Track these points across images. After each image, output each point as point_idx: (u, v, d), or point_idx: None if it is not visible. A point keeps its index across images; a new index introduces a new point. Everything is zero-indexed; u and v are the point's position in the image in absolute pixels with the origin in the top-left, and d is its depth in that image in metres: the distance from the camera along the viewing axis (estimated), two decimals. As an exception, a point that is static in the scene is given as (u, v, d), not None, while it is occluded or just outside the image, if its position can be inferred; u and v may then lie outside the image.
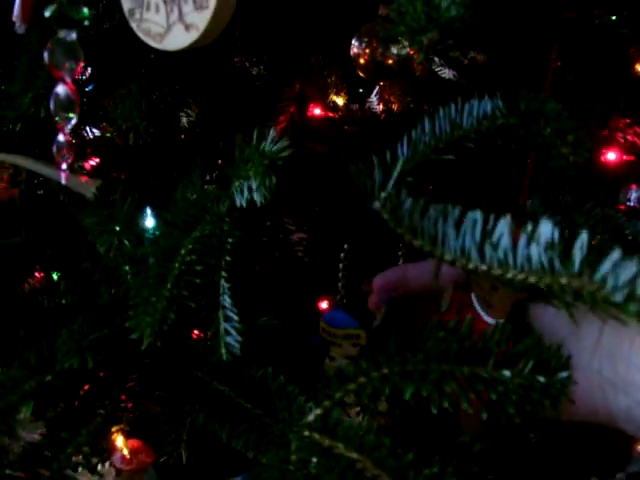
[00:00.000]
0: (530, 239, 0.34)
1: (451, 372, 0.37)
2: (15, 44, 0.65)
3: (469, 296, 0.54)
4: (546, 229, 0.34)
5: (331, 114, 0.86)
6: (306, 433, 0.40)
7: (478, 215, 0.37)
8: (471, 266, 0.38)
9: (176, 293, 0.45)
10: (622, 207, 0.79)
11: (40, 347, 0.49)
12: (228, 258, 0.47)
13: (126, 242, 0.56)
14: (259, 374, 0.49)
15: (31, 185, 0.70)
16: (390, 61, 0.97)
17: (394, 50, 0.96)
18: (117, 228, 0.55)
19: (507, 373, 0.36)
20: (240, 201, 0.46)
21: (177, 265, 0.45)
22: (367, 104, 1.17)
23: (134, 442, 0.86)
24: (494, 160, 0.61)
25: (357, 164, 0.49)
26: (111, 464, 0.84)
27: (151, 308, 0.44)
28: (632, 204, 0.76)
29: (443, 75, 1.18)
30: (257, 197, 0.43)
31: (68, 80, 0.46)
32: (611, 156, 0.71)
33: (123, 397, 0.57)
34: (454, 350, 0.37)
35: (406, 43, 0.99)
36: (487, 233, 0.37)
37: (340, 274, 0.63)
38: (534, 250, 0.35)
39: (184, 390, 0.54)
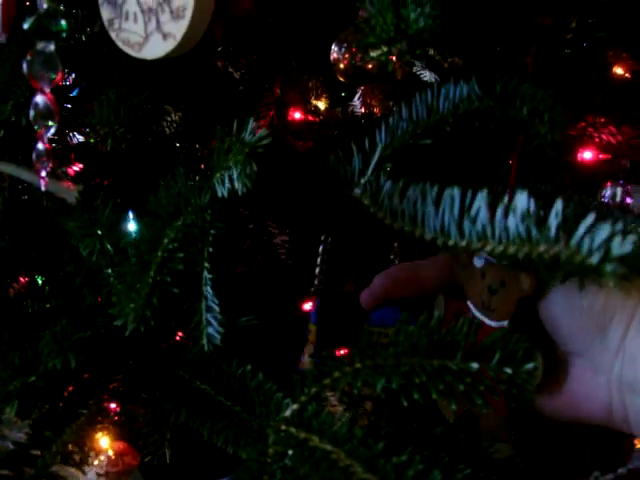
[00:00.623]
0: (507, 210, 0.36)
1: (421, 365, 0.38)
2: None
3: (465, 304, 0.55)
4: (522, 200, 0.36)
5: (311, 118, 0.87)
6: (283, 427, 0.42)
7: (456, 192, 0.39)
8: (451, 243, 0.39)
9: (159, 280, 0.45)
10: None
11: (24, 348, 0.50)
12: (210, 249, 0.48)
13: (108, 246, 0.57)
14: (239, 372, 0.50)
15: (14, 191, 0.71)
16: (370, 66, 0.98)
17: (373, 54, 0.98)
18: (99, 232, 0.56)
19: (475, 365, 0.38)
20: (222, 192, 0.47)
21: (160, 253, 0.46)
22: (350, 108, 1.18)
23: (120, 444, 0.87)
24: (478, 147, 0.62)
25: (337, 154, 0.50)
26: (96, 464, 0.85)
27: (134, 294, 0.45)
28: (606, 201, 0.78)
29: (424, 78, 1.20)
30: (238, 186, 0.44)
31: (47, 90, 0.48)
32: (587, 155, 0.72)
33: (106, 397, 0.58)
34: (424, 344, 0.39)
35: (385, 49, 1.01)
36: (465, 208, 0.38)
37: (318, 269, 0.63)
38: (511, 221, 0.36)
39: (166, 389, 0.55)
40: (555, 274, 0.36)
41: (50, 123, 0.47)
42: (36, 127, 0.48)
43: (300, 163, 0.71)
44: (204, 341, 0.46)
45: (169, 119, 0.71)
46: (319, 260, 0.65)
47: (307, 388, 0.42)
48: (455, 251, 0.39)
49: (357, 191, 0.48)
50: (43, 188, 0.50)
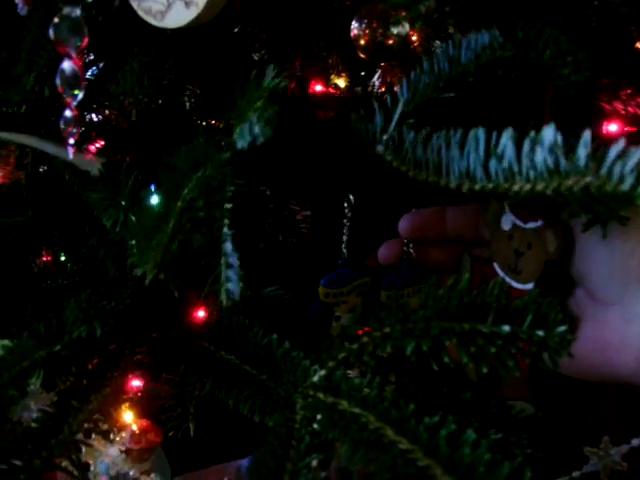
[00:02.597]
0: (534, 144, 0.35)
1: (451, 328, 0.38)
2: (18, 27, 0.65)
3: (491, 267, 0.54)
4: (549, 133, 0.35)
5: (332, 90, 0.87)
6: (311, 392, 0.41)
7: (481, 132, 0.38)
8: (477, 187, 0.38)
9: (178, 227, 0.44)
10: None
11: (49, 318, 0.50)
12: (229, 205, 0.47)
13: (132, 216, 0.56)
14: (264, 341, 0.50)
15: (37, 166, 0.71)
16: (390, 41, 0.97)
17: (394, 30, 0.97)
18: (123, 203, 0.56)
19: (506, 328, 0.37)
20: (242, 144, 0.45)
21: (179, 203, 0.45)
22: (370, 87, 1.17)
23: (143, 422, 0.87)
24: (505, 100, 0.61)
25: (358, 112, 0.49)
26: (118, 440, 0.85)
27: (154, 243, 0.44)
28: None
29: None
30: (258, 132, 0.43)
31: (74, 56, 0.47)
32: (613, 128, 0.71)
33: (131, 369, 0.58)
34: (454, 307, 0.38)
35: (406, 24, 1.00)
36: (491, 147, 0.37)
37: (344, 231, 0.62)
38: (539, 154, 0.35)
39: (190, 361, 0.55)
40: (587, 209, 0.34)
41: (77, 90, 0.47)
42: (63, 94, 0.48)
43: (321, 130, 0.70)
44: (223, 296, 0.45)
45: (188, 93, 0.71)
46: (344, 230, 0.64)
47: (335, 353, 0.42)
48: (482, 196, 0.38)
49: (380, 148, 0.47)
50: (71, 156, 0.50)
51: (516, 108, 0.60)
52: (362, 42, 0.97)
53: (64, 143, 0.54)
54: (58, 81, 0.47)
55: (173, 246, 0.43)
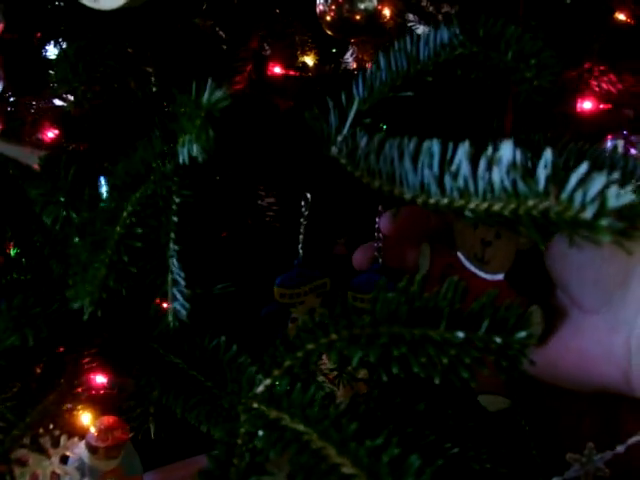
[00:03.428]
0: (490, 163, 0.32)
1: (401, 335, 0.34)
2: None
3: (454, 255, 0.51)
4: (507, 151, 0.32)
5: (293, 72, 0.83)
6: (254, 405, 0.38)
7: (435, 145, 0.35)
8: (432, 201, 0.35)
9: (116, 259, 0.42)
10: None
11: (-19, 326, 0.47)
12: (175, 219, 0.45)
13: (73, 214, 0.53)
14: (212, 345, 0.46)
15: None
16: (358, 17, 0.93)
17: (361, 5, 0.93)
18: (62, 199, 0.53)
19: (460, 334, 0.34)
20: (183, 158, 0.43)
21: (118, 229, 0.43)
22: (342, 64, 1.13)
23: (109, 418, 0.84)
24: (467, 99, 0.58)
25: (312, 110, 0.46)
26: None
27: (90, 275, 0.42)
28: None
29: (417, 31, 1.15)
30: (196, 153, 0.40)
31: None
32: (587, 105, 0.68)
33: (80, 372, 0.55)
34: (404, 312, 0.35)
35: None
36: (445, 163, 0.34)
37: (301, 230, 0.59)
38: (496, 174, 0.32)
39: (142, 363, 0.52)
40: (546, 233, 0.32)
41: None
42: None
43: (280, 122, 0.66)
44: (170, 317, 0.43)
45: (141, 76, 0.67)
46: (301, 223, 0.61)
47: (280, 361, 0.39)
48: (437, 210, 0.35)
49: (334, 149, 0.44)
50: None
51: (478, 106, 0.57)
52: (328, 18, 0.93)
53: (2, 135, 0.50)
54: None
55: (110, 280, 0.41)
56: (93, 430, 0.85)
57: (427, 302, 0.35)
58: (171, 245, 0.46)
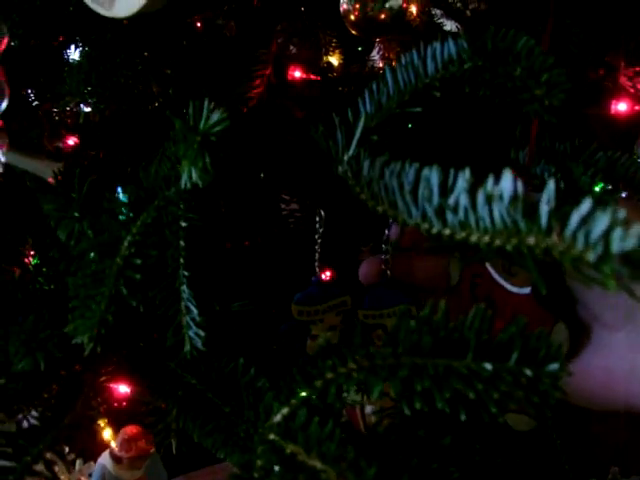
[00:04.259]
0: (490, 196, 0.30)
1: (424, 367, 0.32)
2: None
3: (483, 266, 0.50)
4: (507, 184, 0.29)
5: (314, 77, 0.81)
6: (270, 437, 0.37)
7: (434, 176, 0.33)
8: (434, 231, 0.33)
9: (114, 293, 0.40)
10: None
11: (-5, 348, 0.46)
12: (183, 244, 0.43)
13: (88, 230, 0.51)
14: (229, 367, 0.45)
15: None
16: (383, 15, 0.91)
17: (386, 4, 0.90)
18: (76, 214, 0.51)
19: (488, 366, 0.32)
20: (185, 182, 0.42)
21: (118, 260, 0.41)
22: (369, 63, 1.11)
23: (132, 428, 0.84)
24: (488, 106, 0.55)
25: (317, 127, 0.44)
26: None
27: (89, 311, 0.40)
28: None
29: (445, 27, 1.12)
30: (194, 178, 0.39)
31: (-6, 61, 0.42)
32: (622, 107, 0.65)
33: (95, 392, 0.53)
34: (428, 342, 0.33)
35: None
36: (446, 193, 0.32)
37: (316, 247, 0.57)
38: (496, 209, 0.30)
39: (158, 383, 0.51)
40: (549, 271, 0.29)
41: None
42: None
43: (298, 132, 0.64)
44: (187, 347, 0.41)
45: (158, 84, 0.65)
46: (316, 246, 0.59)
47: (297, 391, 0.37)
48: (440, 239, 0.33)
49: (341, 169, 0.42)
50: (1, 170, 0.45)
51: (500, 114, 0.55)
52: (352, 18, 0.91)
53: (18, 149, 0.49)
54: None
55: (109, 316, 0.39)
56: (116, 440, 0.85)
57: (452, 332, 0.33)
58: (180, 272, 0.45)
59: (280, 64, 0.72)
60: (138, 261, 0.40)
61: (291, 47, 0.86)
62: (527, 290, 0.48)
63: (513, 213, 0.29)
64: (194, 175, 0.38)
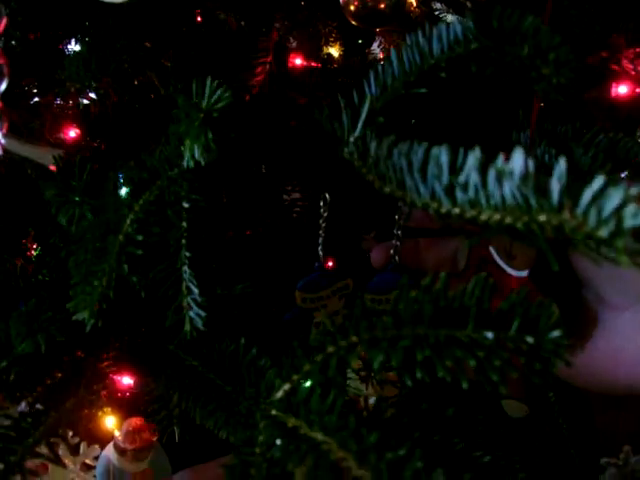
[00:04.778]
0: (501, 173, 0.29)
1: (425, 337, 0.32)
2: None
3: (488, 250, 0.50)
4: (518, 161, 0.29)
5: (314, 64, 0.81)
6: (272, 412, 0.36)
7: (443, 155, 0.32)
8: (443, 210, 0.33)
9: (115, 269, 0.40)
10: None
11: (-4, 332, 0.46)
12: (185, 225, 0.43)
13: (88, 214, 0.51)
14: (231, 348, 0.45)
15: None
16: (382, 5, 0.91)
17: (386, -7, 0.90)
18: (77, 199, 0.51)
19: (490, 335, 0.31)
20: (187, 161, 0.42)
21: (120, 237, 0.41)
22: (370, 55, 1.11)
23: (136, 420, 0.83)
24: (490, 91, 0.55)
25: (322, 110, 0.44)
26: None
27: (90, 287, 0.40)
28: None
29: (445, 19, 1.12)
30: (198, 156, 0.39)
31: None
32: (622, 90, 0.64)
33: (99, 376, 0.53)
34: (428, 311, 0.33)
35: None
36: (453, 177, 0.32)
37: (320, 232, 0.57)
38: (507, 187, 0.30)
39: (160, 367, 0.51)
40: (559, 249, 0.29)
41: (-1, 78, 0.42)
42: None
43: (302, 115, 0.64)
44: (187, 327, 0.41)
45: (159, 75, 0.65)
46: (321, 225, 0.59)
47: (298, 366, 0.37)
48: (449, 218, 0.33)
49: (346, 151, 0.42)
50: (0, 153, 0.45)
51: (503, 97, 0.54)
52: (352, 8, 0.91)
53: (18, 136, 0.49)
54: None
55: (110, 291, 0.39)
56: (120, 432, 0.85)
57: (453, 301, 0.32)
58: (182, 252, 0.45)
59: (281, 52, 0.72)
60: (140, 237, 0.40)
61: (291, 39, 0.86)
62: (524, 273, 0.48)
63: (524, 190, 0.29)
64: (197, 152, 0.38)
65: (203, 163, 0.39)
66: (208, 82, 0.38)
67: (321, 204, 0.56)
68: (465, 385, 0.31)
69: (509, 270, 0.48)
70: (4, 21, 0.41)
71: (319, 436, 0.32)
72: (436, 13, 1.14)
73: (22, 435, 0.43)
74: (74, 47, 0.76)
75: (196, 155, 0.39)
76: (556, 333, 0.31)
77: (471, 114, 0.57)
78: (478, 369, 0.31)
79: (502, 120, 0.57)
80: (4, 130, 0.44)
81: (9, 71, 0.42)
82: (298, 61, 0.75)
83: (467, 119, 0.57)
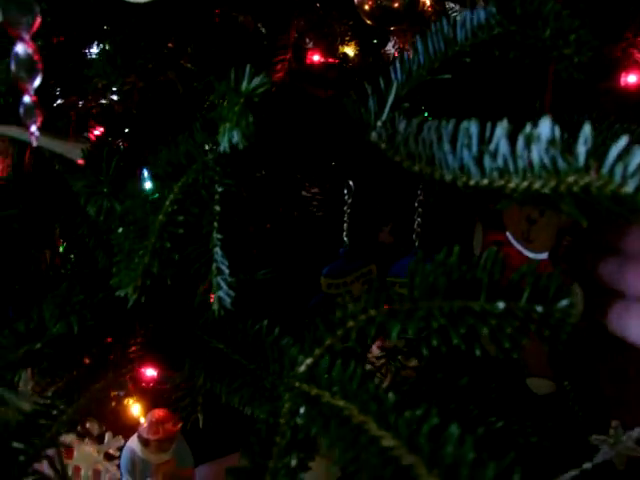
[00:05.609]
0: (529, 140, 0.31)
1: (440, 308, 0.34)
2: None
3: (504, 235, 0.51)
4: (545, 127, 0.31)
5: (332, 60, 0.83)
6: (296, 384, 0.38)
7: (473, 125, 0.34)
8: (472, 182, 0.35)
9: (159, 246, 0.42)
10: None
11: (30, 316, 0.48)
12: (218, 208, 0.45)
13: (116, 204, 0.54)
14: (254, 329, 0.47)
15: (23, 158, 0.69)
16: (396, 4, 0.92)
17: (400, -7, 0.92)
18: (105, 190, 0.53)
19: (500, 304, 0.33)
20: (224, 146, 0.44)
21: (161, 217, 0.43)
22: (384, 56, 1.12)
23: (159, 411, 0.85)
24: (506, 81, 0.56)
25: (350, 97, 0.46)
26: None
27: (134, 263, 0.42)
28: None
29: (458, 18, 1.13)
30: (236, 139, 0.41)
31: (26, 37, 0.44)
32: (632, 79, 0.66)
33: (127, 363, 0.55)
34: (442, 284, 0.34)
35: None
36: (484, 143, 0.34)
37: (345, 218, 0.59)
38: (535, 152, 0.31)
39: (186, 351, 0.53)
40: (587, 210, 0.31)
41: (33, 73, 0.44)
42: (19, 79, 0.45)
43: (321, 110, 0.66)
44: (215, 305, 0.43)
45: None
46: (345, 211, 0.61)
47: (320, 340, 0.39)
48: (478, 191, 0.35)
49: (374, 135, 0.44)
50: (35, 144, 0.47)
51: (518, 87, 0.56)
52: (366, 7, 0.93)
53: (47, 131, 0.52)
54: (13, 66, 0.44)
55: (154, 267, 0.41)
56: (144, 423, 0.87)
57: (465, 274, 0.34)
58: (214, 234, 0.47)
59: (299, 50, 0.74)
60: (181, 217, 0.42)
61: (307, 39, 0.88)
62: (544, 255, 0.49)
63: (553, 152, 0.31)
64: (236, 137, 0.40)
65: (241, 147, 0.41)
66: (247, 68, 0.41)
67: (345, 192, 0.58)
68: (478, 352, 0.33)
69: (527, 253, 0.49)
70: (38, 19, 0.43)
71: (341, 403, 0.34)
72: (449, 12, 1.15)
73: (57, 412, 0.45)
74: (96, 51, 0.79)
75: (235, 139, 0.40)
76: (564, 302, 0.33)
77: (490, 104, 0.59)
78: (491, 336, 0.33)
79: (517, 110, 0.59)
80: (38, 123, 0.46)
81: (42, 66, 0.44)
82: (316, 57, 0.77)
83: (482, 110, 0.58)
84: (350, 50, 1.03)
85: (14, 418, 0.45)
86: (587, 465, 0.60)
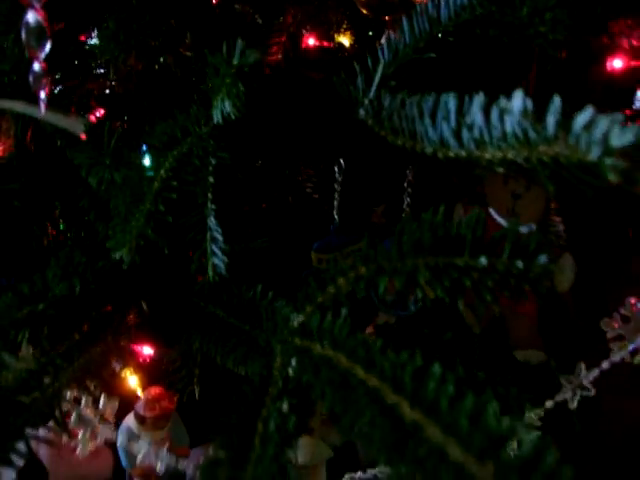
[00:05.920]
0: (503, 110, 0.33)
1: (425, 263, 0.36)
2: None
3: (486, 210, 0.53)
4: (518, 100, 0.33)
5: (326, 44, 0.84)
6: (288, 338, 0.40)
7: (451, 99, 0.36)
8: (451, 154, 0.37)
9: (154, 210, 0.44)
10: (627, 111, 0.76)
11: (33, 279, 0.49)
12: (212, 179, 0.47)
13: (117, 175, 0.55)
14: (249, 294, 0.48)
15: (26, 133, 0.70)
16: (392, -6, 0.94)
17: (395, -18, 0.93)
18: (107, 161, 0.55)
19: (483, 260, 0.35)
20: (217, 118, 0.46)
21: (156, 183, 0.45)
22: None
23: (156, 389, 0.87)
24: (491, 63, 0.58)
25: (339, 75, 0.48)
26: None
27: (130, 226, 0.44)
28: (638, 106, 0.73)
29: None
30: (229, 109, 0.43)
31: (37, 6, 0.46)
32: (617, 63, 0.67)
33: (125, 330, 0.57)
34: (428, 240, 0.36)
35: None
36: (460, 118, 0.36)
37: (335, 195, 0.61)
38: (508, 123, 0.33)
39: (183, 317, 0.54)
40: (558, 179, 0.33)
41: (43, 41, 0.46)
42: (30, 47, 0.46)
43: (315, 91, 0.68)
44: (210, 272, 0.45)
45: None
46: (335, 195, 0.62)
47: (312, 297, 0.40)
48: (457, 164, 0.37)
49: (362, 112, 0.46)
50: (43, 111, 0.49)
51: (504, 69, 0.58)
52: (362, -4, 0.94)
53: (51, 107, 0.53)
54: (23, 34, 0.46)
55: (148, 230, 0.43)
56: (141, 401, 0.89)
57: (450, 230, 0.36)
58: (208, 204, 0.49)
59: (294, 34, 0.76)
60: (174, 183, 0.44)
61: (302, 27, 0.90)
62: (532, 226, 0.51)
63: (524, 124, 0.32)
64: (227, 106, 0.42)
65: (233, 117, 0.43)
66: (238, 42, 0.42)
67: (336, 169, 0.59)
68: (461, 305, 0.35)
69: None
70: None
71: (330, 352, 0.36)
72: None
73: (58, 370, 0.47)
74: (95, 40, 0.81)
75: (226, 109, 0.42)
76: (543, 258, 0.35)
77: (474, 86, 0.61)
78: (473, 289, 0.35)
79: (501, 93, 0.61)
80: (46, 91, 0.47)
81: (50, 33, 0.45)
82: (312, 41, 0.79)
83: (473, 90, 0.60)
84: (346, 40, 1.05)
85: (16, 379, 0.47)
86: (549, 403, 0.61)
